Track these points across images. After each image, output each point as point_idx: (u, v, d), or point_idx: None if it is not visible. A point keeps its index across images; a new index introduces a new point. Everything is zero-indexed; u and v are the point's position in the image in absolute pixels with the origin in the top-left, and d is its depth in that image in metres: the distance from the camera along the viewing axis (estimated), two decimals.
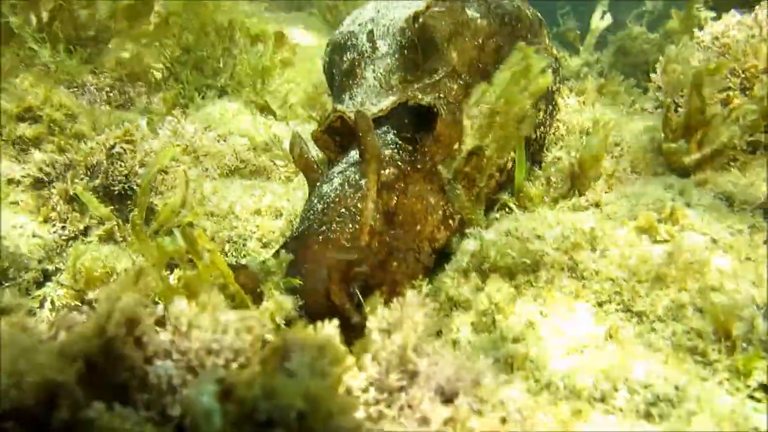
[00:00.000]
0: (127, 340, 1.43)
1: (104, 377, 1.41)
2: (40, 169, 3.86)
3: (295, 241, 2.78)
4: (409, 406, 1.42)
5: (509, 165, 3.20)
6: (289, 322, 2.17)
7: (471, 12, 3.22)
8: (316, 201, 2.89)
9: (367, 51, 3.23)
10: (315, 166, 3.11)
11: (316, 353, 1.36)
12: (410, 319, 1.51)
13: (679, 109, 3.16)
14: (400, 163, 2.91)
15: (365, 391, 1.45)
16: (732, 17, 3.60)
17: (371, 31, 3.25)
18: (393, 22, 3.21)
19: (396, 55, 3.15)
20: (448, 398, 1.49)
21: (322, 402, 1.26)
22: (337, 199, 2.80)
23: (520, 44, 2.85)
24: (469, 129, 2.97)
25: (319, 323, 1.49)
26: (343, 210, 2.75)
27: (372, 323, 1.56)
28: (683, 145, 2.99)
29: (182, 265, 2.28)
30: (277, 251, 2.71)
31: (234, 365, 1.41)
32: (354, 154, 2.97)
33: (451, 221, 2.97)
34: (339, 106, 3.13)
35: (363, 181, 2.79)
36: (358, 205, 2.75)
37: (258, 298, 2.43)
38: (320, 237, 2.71)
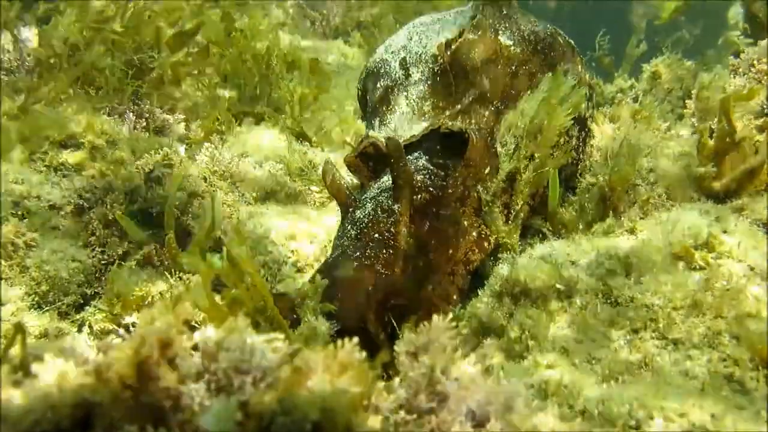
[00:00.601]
0: (161, 362, 1.46)
1: (139, 398, 1.44)
2: (80, 195, 3.94)
3: (330, 267, 2.81)
4: (440, 430, 1.42)
5: (542, 191, 3.21)
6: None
7: (504, 39, 3.24)
8: (349, 227, 2.93)
9: (400, 78, 3.27)
10: (348, 193, 3.14)
11: (337, 371, 1.38)
12: (438, 341, 1.52)
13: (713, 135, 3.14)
14: (431, 188, 2.94)
15: (394, 412, 1.46)
16: None
17: (404, 59, 3.29)
18: (425, 50, 3.25)
19: (428, 82, 3.18)
20: (479, 423, 1.49)
21: (339, 414, 1.28)
22: (370, 225, 2.84)
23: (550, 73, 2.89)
24: (504, 154, 3.00)
25: (339, 341, 1.50)
26: (376, 235, 2.79)
27: (400, 347, 1.58)
28: (711, 169, 2.98)
29: (229, 284, 2.33)
30: (313, 276, 2.74)
31: (262, 385, 1.43)
32: (386, 180, 3.01)
33: (486, 243, 2.99)
34: (371, 132, 3.17)
35: (396, 207, 2.82)
36: (392, 230, 2.78)
37: (295, 323, 2.46)
38: (355, 263, 2.74)
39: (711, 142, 3.05)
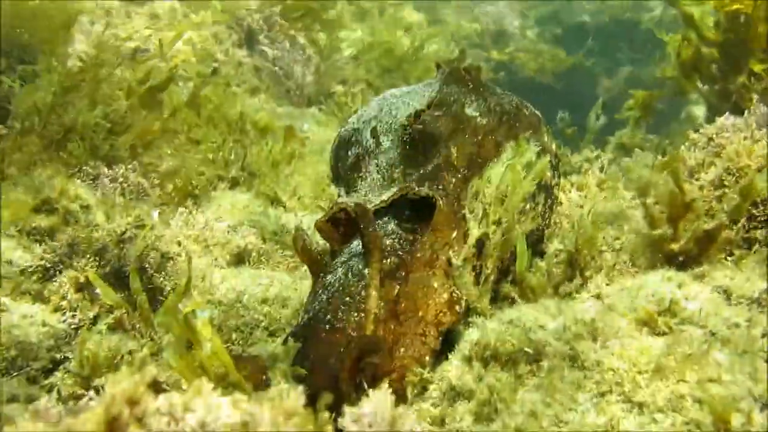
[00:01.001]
0: (131, 421, 1.48)
1: None
2: (52, 260, 3.94)
3: (301, 329, 2.84)
4: None
5: (510, 256, 3.28)
6: None
7: (470, 111, 3.40)
8: (320, 291, 2.98)
9: (371, 146, 3.37)
10: (319, 258, 3.20)
11: (282, 420, 1.42)
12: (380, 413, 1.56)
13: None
14: (400, 252, 3.00)
15: None
16: (726, 119, 3.74)
17: (375, 128, 3.41)
18: (395, 119, 3.37)
19: (398, 150, 3.29)
20: None
21: None
22: (341, 289, 2.89)
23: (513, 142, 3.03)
24: (472, 220, 3.08)
25: (284, 390, 1.54)
26: (347, 299, 2.84)
27: (345, 419, 1.62)
28: (667, 231, 3.09)
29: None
30: (285, 339, 2.77)
31: None
32: (357, 245, 3.07)
33: (458, 306, 3.05)
34: (341, 198, 3.25)
35: (366, 271, 2.87)
36: (362, 293, 2.83)
37: (264, 387, 2.47)
38: (327, 326, 2.79)
39: (657, 211, 3.18)
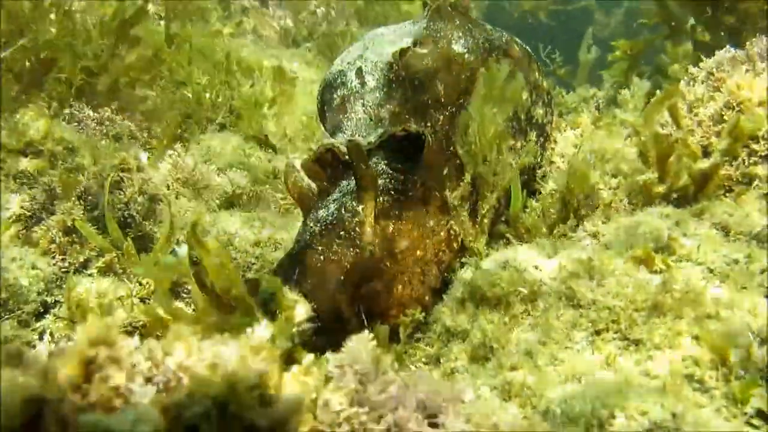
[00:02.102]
0: (108, 362, 1.45)
1: (88, 398, 1.42)
2: (39, 203, 3.87)
3: (292, 257, 2.81)
4: (397, 426, 1.42)
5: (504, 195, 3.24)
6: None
7: (458, 47, 3.33)
8: (312, 224, 2.92)
9: (356, 87, 3.31)
10: (310, 194, 3.14)
11: (250, 355, 1.41)
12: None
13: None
14: (392, 192, 2.95)
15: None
16: (726, 52, 3.65)
17: (360, 68, 3.34)
18: (381, 58, 3.30)
19: (384, 89, 3.22)
20: (431, 414, 1.50)
21: (242, 389, 1.31)
22: (335, 222, 2.84)
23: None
24: (465, 156, 3.03)
25: (249, 328, 1.55)
26: (342, 233, 2.79)
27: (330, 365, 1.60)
28: (652, 175, 3.05)
29: (189, 283, 2.30)
30: (280, 263, 2.75)
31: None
32: (347, 184, 3.01)
33: (455, 243, 3.01)
34: (327, 139, 3.19)
35: (360, 208, 2.82)
36: (357, 229, 2.78)
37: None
38: (321, 256, 2.75)
39: (652, 150, 3.12)
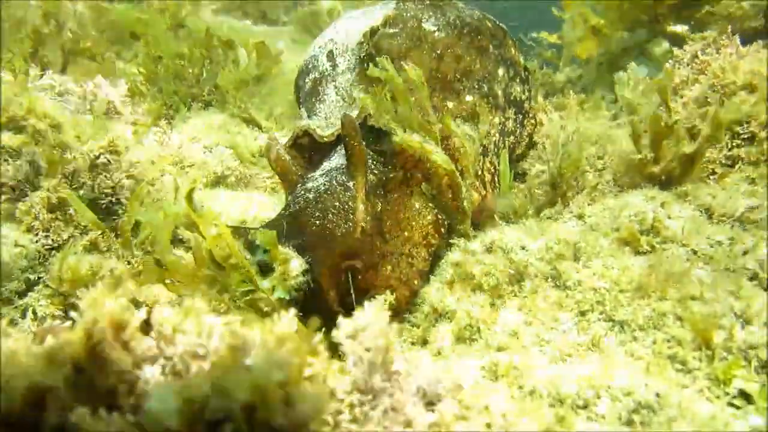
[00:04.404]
0: (115, 346, 1.43)
1: (93, 382, 1.40)
2: (22, 179, 3.83)
3: (289, 218, 2.78)
4: (394, 410, 1.43)
5: (488, 177, 3.25)
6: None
7: (428, 26, 3.34)
8: (304, 192, 2.88)
9: (327, 70, 3.32)
10: (293, 169, 3.12)
11: (274, 345, 1.36)
12: (375, 325, 1.51)
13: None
14: (375, 172, 2.94)
15: (349, 393, 1.46)
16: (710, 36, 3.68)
17: (331, 51, 3.35)
18: (350, 38, 3.30)
19: (356, 70, 3.23)
20: (430, 401, 1.51)
21: (270, 392, 1.27)
22: (329, 192, 2.80)
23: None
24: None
25: (275, 315, 1.47)
26: (336, 203, 2.76)
27: (340, 332, 1.54)
28: (650, 155, 3.06)
29: (190, 235, 2.30)
30: (271, 222, 2.74)
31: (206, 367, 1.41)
32: (334, 160, 2.99)
33: (442, 228, 3.00)
34: (304, 122, 3.17)
35: (351, 183, 2.80)
36: (350, 204, 2.75)
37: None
38: (317, 222, 2.71)
39: (644, 131, 3.14)
